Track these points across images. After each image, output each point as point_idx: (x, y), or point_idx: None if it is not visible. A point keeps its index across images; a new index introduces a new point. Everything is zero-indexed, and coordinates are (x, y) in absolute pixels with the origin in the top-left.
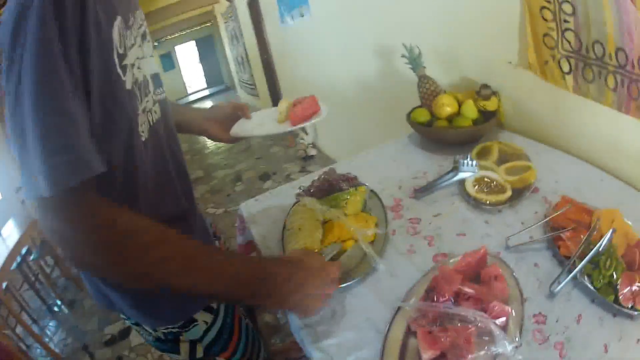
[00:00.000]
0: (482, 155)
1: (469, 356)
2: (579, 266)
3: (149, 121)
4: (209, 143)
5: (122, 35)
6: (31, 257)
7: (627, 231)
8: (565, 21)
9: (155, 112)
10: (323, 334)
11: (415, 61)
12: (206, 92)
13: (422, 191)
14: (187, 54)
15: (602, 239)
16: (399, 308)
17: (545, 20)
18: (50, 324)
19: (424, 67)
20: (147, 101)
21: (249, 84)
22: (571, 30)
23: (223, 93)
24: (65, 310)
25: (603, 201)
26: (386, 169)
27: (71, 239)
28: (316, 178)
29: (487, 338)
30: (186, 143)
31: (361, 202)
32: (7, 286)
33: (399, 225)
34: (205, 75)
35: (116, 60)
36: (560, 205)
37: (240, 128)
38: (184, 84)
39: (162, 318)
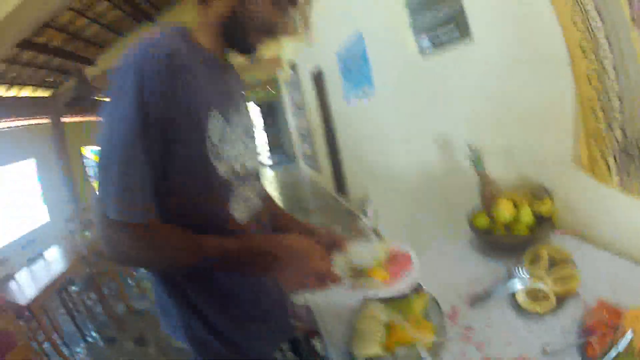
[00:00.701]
0: (533, 261)
1: None
2: None
3: (252, 210)
4: None
5: (219, 129)
6: (73, 288)
7: None
8: (614, 117)
9: (256, 203)
10: None
11: (477, 161)
12: (268, 161)
13: (477, 300)
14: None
15: (620, 341)
16: None
17: (595, 116)
18: (80, 350)
19: (486, 169)
20: (248, 191)
21: (312, 158)
22: (618, 126)
23: (283, 163)
24: (101, 343)
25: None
26: (446, 276)
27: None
28: None
29: None
30: None
31: (423, 309)
32: (43, 306)
33: (454, 332)
34: (267, 142)
35: (209, 148)
36: (596, 310)
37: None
38: None
39: None
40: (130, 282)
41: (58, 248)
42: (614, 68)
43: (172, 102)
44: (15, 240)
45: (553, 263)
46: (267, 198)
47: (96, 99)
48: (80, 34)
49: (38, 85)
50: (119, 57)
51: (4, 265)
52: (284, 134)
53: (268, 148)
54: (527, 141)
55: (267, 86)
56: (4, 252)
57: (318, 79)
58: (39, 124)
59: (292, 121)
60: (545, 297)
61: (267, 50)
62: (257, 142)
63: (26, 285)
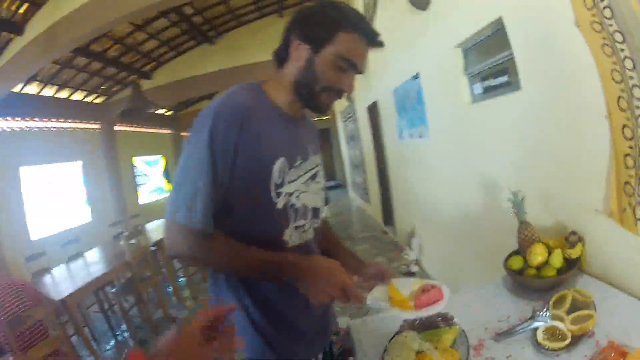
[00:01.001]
0: (558, 303)
1: None
2: None
3: (305, 238)
4: None
5: (282, 171)
6: (111, 289)
7: None
8: None
9: (311, 234)
10: None
11: (518, 206)
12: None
13: (501, 335)
14: None
15: None
16: None
17: (627, 167)
18: (109, 347)
19: (526, 213)
20: (304, 223)
21: (363, 188)
22: None
23: (334, 189)
24: (130, 343)
25: None
26: (478, 311)
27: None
28: (421, 317)
29: None
30: None
31: (452, 340)
32: (78, 303)
33: None
34: None
35: (272, 186)
36: (606, 350)
37: (374, 296)
38: None
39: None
40: (170, 290)
41: (98, 250)
42: None
43: (238, 145)
44: (55, 235)
45: (575, 305)
46: (324, 227)
47: (149, 112)
48: (138, 48)
49: (90, 91)
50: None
51: (42, 258)
52: (337, 161)
53: None
54: (563, 188)
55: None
56: (44, 246)
57: (373, 112)
58: (90, 128)
59: (344, 149)
60: (563, 336)
61: None
62: (320, 184)
63: (63, 281)
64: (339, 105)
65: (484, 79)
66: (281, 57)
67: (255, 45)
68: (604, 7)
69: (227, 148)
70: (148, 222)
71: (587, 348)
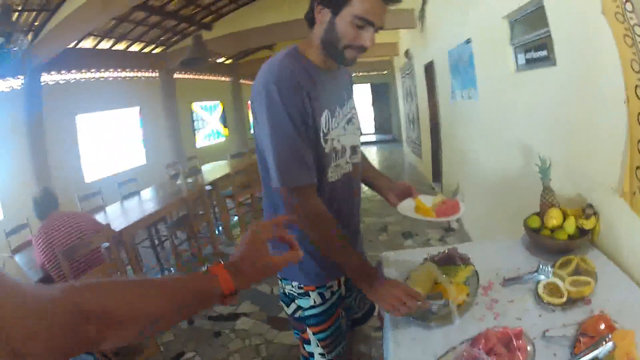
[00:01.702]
0: (564, 265)
1: None
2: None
3: (341, 172)
4: (365, 188)
5: (327, 121)
6: (163, 226)
7: (630, 351)
8: None
9: (348, 168)
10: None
11: (544, 172)
12: (373, 138)
13: (508, 281)
14: (361, 96)
15: (602, 347)
16: (453, 347)
17: None
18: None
19: (550, 180)
20: (342, 161)
21: (416, 143)
22: None
23: (389, 143)
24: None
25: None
26: (494, 259)
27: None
28: (443, 250)
29: None
30: None
31: (465, 277)
32: (132, 236)
33: (482, 300)
34: (375, 120)
35: (321, 135)
36: (596, 318)
37: (403, 207)
38: None
39: (299, 278)
40: (220, 229)
41: (153, 189)
42: None
43: (300, 108)
44: (110, 177)
45: (578, 271)
46: (363, 160)
47: (210, 61)
48: (197, 1)
49: (148, 42)
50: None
51: (97, 197)
52: (394, 116)
53: (375, 126)
54: (586, 162)
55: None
56: (101, 185)
57: (429, 70)
58: (148, 77)
59: (401, 105)
60: (560, 294)
61: (386, 36)
62: (355, 124)
63: (117, 217)
64: (398, 61)
65: (526, 50)
66: (309, 20)
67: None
68: (626, 1)
69: (298, 110)
70: (204, 164)
71: (581, 312)
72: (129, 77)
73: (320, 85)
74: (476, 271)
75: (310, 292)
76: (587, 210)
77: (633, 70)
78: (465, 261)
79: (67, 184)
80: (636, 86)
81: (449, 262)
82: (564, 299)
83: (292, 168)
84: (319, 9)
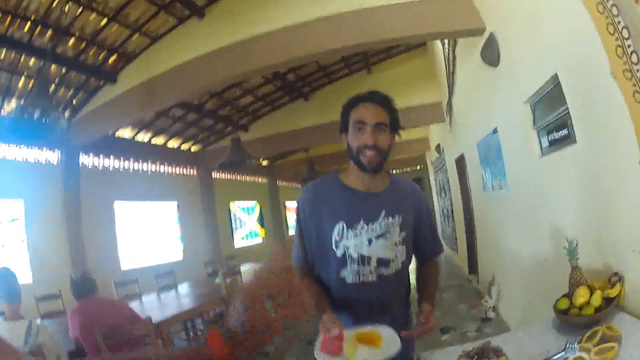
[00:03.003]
0: (590, 338)
1: None
2: None
3: (362, 279)
4: None
5: (340, 231)
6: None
7: None
8: None
9: (371, 278)
10: None
11: (572, 253)
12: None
13: None
14: None
15: None
16: None
17: None
18: None
19: (578, 259)
20: (364, 269)
21: (451, 238)
22: None
23: None
24: None
25: None
26: (527, 346)
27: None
28: (477, 346)
29: None
30: None
31: None
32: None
33: None
34: None
35: (333, 241)
36: None
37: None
38: None
39: None
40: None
41: (190, 285)
42: None
43: (309, 214)
44: (146, 268)
45: (604, 339)
46: (426, 268)
47: (247, 162)
48: (234, 102)
49: (186, 139)
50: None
51: (133, 285)
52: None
53: None
54: (611, 231)
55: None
56: (137, 274)
57: (460, 164)
58: (185, 174)
59: (435, 199)
60: None
61: (417, 131)
62: (392, 240)
63: (154, 308)
64: (431, 155)
65: (549, 132)
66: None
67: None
68: (631, 53)
69: (305, 219)
70: (241, 264)
71: None
72: (167, 172)
73: (341, 203)
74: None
75: None
76: (612, 278)
77: None
78: (498, 353)
79: (103, 268)
80: None
81: (483, 356)
82: None
83: (293, 254)
84: (341, 137)
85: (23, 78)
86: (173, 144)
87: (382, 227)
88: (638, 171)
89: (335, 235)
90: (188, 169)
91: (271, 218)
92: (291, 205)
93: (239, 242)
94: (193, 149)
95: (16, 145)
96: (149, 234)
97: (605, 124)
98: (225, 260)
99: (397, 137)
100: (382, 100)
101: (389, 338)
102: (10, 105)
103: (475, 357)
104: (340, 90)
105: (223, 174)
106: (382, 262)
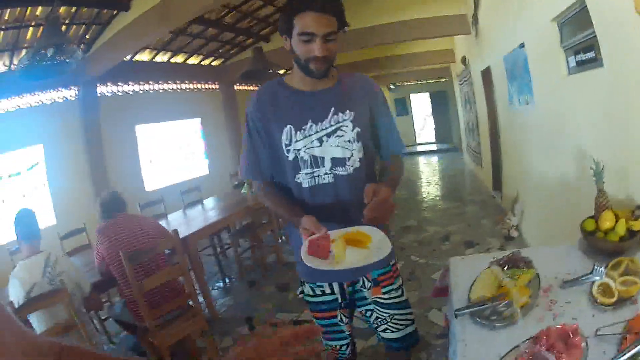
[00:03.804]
0: (615, 267)
1: None
2: (622, 356)
3: (319, 182)
4: (427, 197)
5: (288, 136)
6: (228, 233)
7: None
8: None
9: (328, 179)
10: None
11: (598, 175)
12: (434, 147)
13: (566, 283)
14: (420, 104)
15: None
16: (516, 346)
17: None
18: (219, 284)
19: (604, 182)
20: (319, 171)
21: (476, 152)
22: None
23: (450, 152)
24: (232, 285)
25: None
26: (553, 264)
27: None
28: (508, 254)
29: None
30: (406, 191)
31: (528, 279)
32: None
33: (542, 302)
34: (435, 129)
35: (283, 145)
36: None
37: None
38: (414, 132)
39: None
40: (284, 238)
41: (216, 199)
42: None
43: (258, 120)
44: (173, 186)
45: (627, 271)
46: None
47: (270, 73)
48: (254, 14)
49: (207, 55)
50: None
51: (159, 205)
52: (453, 124)
53: (436, 135)
54: (634, 164)
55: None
56: (162, 193)
57: (486, 77)
58: (208, 89)
59: (460, 113)
60: (611, 294)
61: (441, 43)
62: (345, 137)
63: (180, 225)
64: (456, 68)
65: (576, 52)
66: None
67: (369, 9)
68: None
69: (255, 128)
70: None
71: (628, 311)
72: (189, 88)
73: (287, 105)
74: (537, 274)
75: (305, 283)
76: (636, 211)
77: None
78: (528, 264)
79: (127, 191)
80: None
81: (513, 265)
82: (615, 299)
83: (243, 164)
84: (283, 38)
85: (31, 29)
86: (193, 60)
87: (332, 125)
88: None
89: (284, 140)
90: (210, 85)
91: None
92: None
93: None
94: (214, 63)
95: (30, 94)
96: (173, 153)
97: (634, 56)
98: None
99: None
100: (329, 8)
101: (378, 239)
102: (21, 56)
103: (506, 265)
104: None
105: (245, 87)
106: (338, 162)
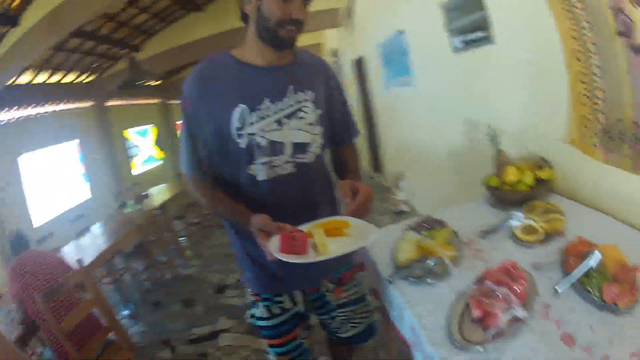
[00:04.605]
0: (530, 210)
1: (500, 315)
2: (574, 274)
3: (278, 173)
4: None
5: (241, 117)
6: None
7: (619, 258)
8: (598, 106)
9: (289, 169)
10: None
11: (494, 138)
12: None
13: (485, 233)
14: None
15: (588, 259)
16: (463, 292)
17: (584, 105)
18: (125, 313)
19: (500, 143)
20: (277, 159)
21: None
22: (601, 111)
23: None
24: (145, 307)
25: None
26: (465, 220)
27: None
28: (417, 219)
29: (510, 308)
30: None
31: (446, 237)
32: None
33: (468, 253)
34: None
35: (234, 130)
36: (575, 242)
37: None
38: None
39: (250, 285)
40: (176, 251)
41: (103, 223)
42: (600, 68)
43: (200, 102)
44: (59, 217)
45: (546, 212)
46: (341, 152)
47: (145, 83)
48: (129, 23)
49: (83, 71)
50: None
51: (52, 239)
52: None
53: None
54: (533, 124)
55: None
56: (51, 227)
57: (359, 66)
58: (83, 107)
59: None
60: (535, 231)
61: (309, 38)
62: (307, 119)
63: (75, 257)
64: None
65: (463, 33)
66: (245, 19)
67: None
68: None
69: (195, 111)
70: (146, 190)
71: (559, 244)
72: (66, 109)
73: (238, 82)
74: (455, 231)
75: (258, 302)
76: (540, 163)
77: (573, 38)
78: (442, 224)
79: (17, 228)
80: (576, 51)
81: (428, 228)
82: (542, 236)
83: (182, 159)
84: (246, 2)
85: None
86: (70, 78)
87: (292, 105)
88: (563, 73)
89: (235, 123)
90: (85, 102)
91: (168, 139)
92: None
93: (140, 168)
94: (89, 79)
95: None
96: (55, 181)
97: (529, 31)
98: (130, 188)
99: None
100: None
101: (358, 223)
102: None
103: (421, 229)
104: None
105: (118, 101)
106: (299, 148)
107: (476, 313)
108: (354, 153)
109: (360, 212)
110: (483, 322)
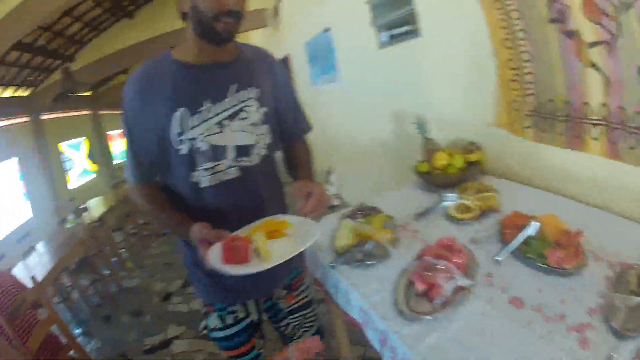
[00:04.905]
0: (463, 191)
1: (444, 285)
2: (512, 244)
3: (222, 179)
4: None
5: (180, 121)
6: (65, 278)
7: (559, 226)
8: (529, 89)
9: (234, 174)
10: (365, 285)
11: (422, 127)
12: None
13: (420, 215)
14: None
15: (525, 228)
16: (404, 270)
17: (513, 90)
18: (78, 331)
19: (427, 131)
20: (212, 164)
21: None
22: (532, 94)
23: None
24: (89, 327)
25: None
26: (398, 205)
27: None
28: (352, 208)
29: (452, 278)
30: None
31: (382, 221)
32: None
33: (406, 234)
34: None
35: (174, 136)
36: (511, 216)
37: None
38: None
39: (201, 295)
40: (118, 263)
41: (46, 241)
42: (529, 54)
43: (139, 108)
44: (5, 238)
45: (479, 192)
46: (294, 150)
47: (80, 94)
48: (63, 32)
49: (19, 85)
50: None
51: (2, 260)
52: None
53: None
54: (461, 112)
55: None
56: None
57: (284, 64)
58: (20, 123)
59: None
60: (470, 210)
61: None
62: (251, 119)
63: (26, 277)
64: None
65: (389, 28)
66: (184, 16)
67: (173, 12)
68: None
69: (134, 116)
70: (83, 203)
71: (494, 219)
72: (4, 126)
73: (178, 84)
74: (390, 216)
75: (211, 312)
76: (469, 146)
77: (501, 28)
78: (376, 210)
79: None
80: (505, 39)
81: (363, 214)
82: (477, 213)
83: (125, 165)
84: None
85: None
86: (7, 93)
87: (233, 105)
88: (491, 61)
89: (175, 127)
90: (21, 117)
91: (99, 151)
92: (114, 134)
93: (76, 182)
94: (25, 93)
95: None
96: None
97: (457, 23)
98: (68, 202)
99: None
100: None
101: (297, 221)
102: None
103: (356, 216)
104: (165, 4)
105: (51, 115)
106: (242, 150)
107: (420, 287)
108: (306, 150)
109: (314, 215)
110: (429, 294)
